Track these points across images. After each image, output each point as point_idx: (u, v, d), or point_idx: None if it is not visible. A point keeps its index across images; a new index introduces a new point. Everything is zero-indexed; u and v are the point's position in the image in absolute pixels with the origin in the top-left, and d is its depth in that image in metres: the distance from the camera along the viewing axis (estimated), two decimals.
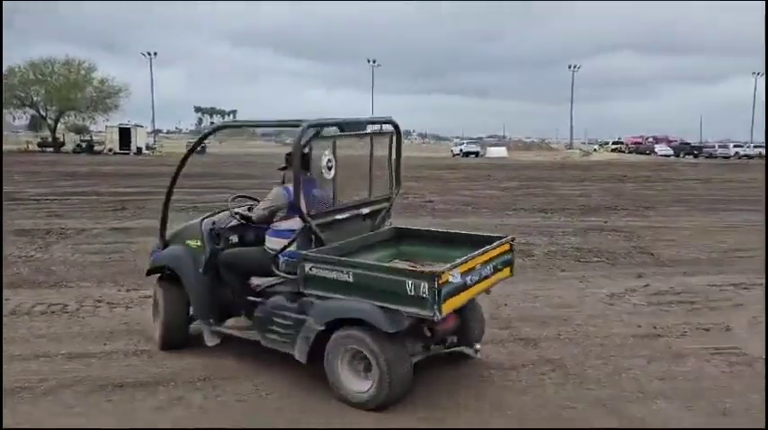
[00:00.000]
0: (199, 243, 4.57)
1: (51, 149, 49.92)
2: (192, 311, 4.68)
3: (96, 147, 49.53)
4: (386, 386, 3.67)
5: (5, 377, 4.19)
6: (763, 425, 3.37)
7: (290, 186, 4.15)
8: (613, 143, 73.65)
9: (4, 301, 5.96)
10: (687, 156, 57.19)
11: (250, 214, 4.60)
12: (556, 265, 8.06)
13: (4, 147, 41.38)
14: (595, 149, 69.79)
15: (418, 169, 30.65)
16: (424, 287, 3.55)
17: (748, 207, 15.19)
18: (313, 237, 4.14)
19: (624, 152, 67.00)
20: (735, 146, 60.33)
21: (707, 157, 55.80)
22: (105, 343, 4.91)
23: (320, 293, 3.91)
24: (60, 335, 5.14)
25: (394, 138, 4.76)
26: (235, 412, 3.78)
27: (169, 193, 4.86)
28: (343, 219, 4.39)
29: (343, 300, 3.81)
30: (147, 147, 52.05)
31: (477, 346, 4.35)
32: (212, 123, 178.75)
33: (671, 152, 60.76)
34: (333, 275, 3.83)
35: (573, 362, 4.59)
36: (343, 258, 4.00)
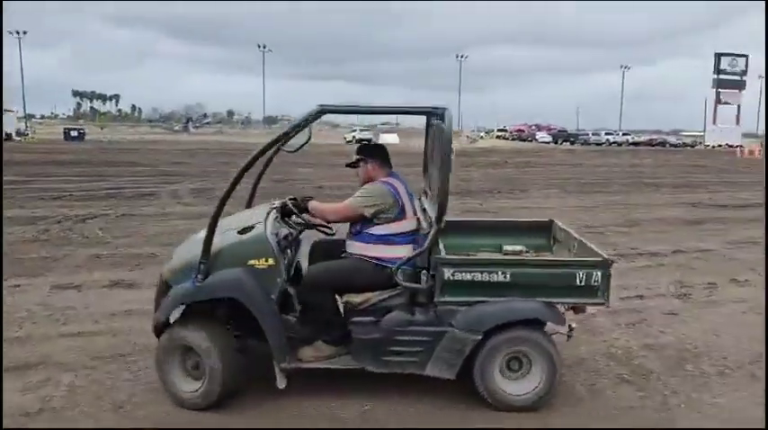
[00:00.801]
0: (271, 262, 3.53)
1: None
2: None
3: None
4: (555, 383, 3.60)
5: None
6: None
7: (394, 182, 3.79)
8: (498, 131, 77.19)
9: None
10: (565, 143, 61.15)
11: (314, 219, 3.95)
12: None
13: None
14: (481, 137, 72.77)
15: (310, 156, 30.78)
16: (596, 275, 3.54)
17: (607, 189, 16.74)
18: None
19: (508, 139, 70.50)
20: (606, 134, 65.37)
21: (582, 144, 60.04)
22: None
23: (463, 299, 3.57)
24: None
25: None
26: None
27: (225, 199, 3.53)
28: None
29: (498, 302, 3.56)
30: (18, 133, 48.31)
31: (573, 325, 3.97)
32: (92, 108, 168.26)
33: (550, 139, 64.71)
34: (482, 277, 3.54)
35: None
36: (498, 258, 3.95)
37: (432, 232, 3.52)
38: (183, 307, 3.63)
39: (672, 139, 69.66)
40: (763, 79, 78.45)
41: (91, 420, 3.49)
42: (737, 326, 5.28)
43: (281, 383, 3.55)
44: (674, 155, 42.33)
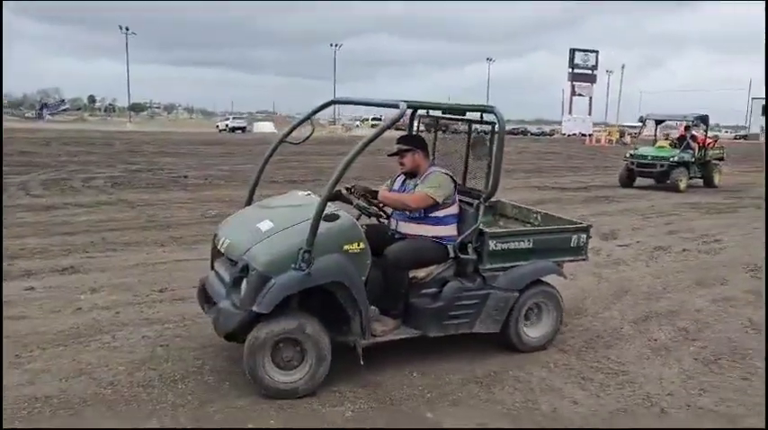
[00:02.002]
0: (362, 245, 3.78)
1: None
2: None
3: None
4: (559, 325, 4.62)
5: None
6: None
7: (446, 170, 4.38)
8: (373, 119, 78.43)
9: None
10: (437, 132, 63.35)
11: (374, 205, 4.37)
12: None
13: None
14: (357, 125, 73.70)
15: (179, 145, 29.81)
16: (582, 238, 4.66)
17: None
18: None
19: None
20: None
21: (452, 133, 62.42)
22: None
23: (502, 265, 4.33)
24: None
25: (496, 129, 4.37)
26: None
27: (333, 186, 3.67)
28: None
29: (526, 265, 4.39)
30: None
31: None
32: None
33: (423, 128, 66.80)
34: (514, 246, 4.36)
35: None
36: (525, 229, 4.74)
37: (480, 211, 4.24)
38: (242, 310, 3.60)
39: (533, 129, 74.52)
40: (610, 74, 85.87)
41: None
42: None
43: (363, 360, 3.84)
44: (534, 143, 45.42)
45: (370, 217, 4.43)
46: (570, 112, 75.23)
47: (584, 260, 4.82)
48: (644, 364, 4.38)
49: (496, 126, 4.31)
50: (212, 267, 4.28)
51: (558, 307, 4.58)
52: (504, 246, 4.35)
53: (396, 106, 3.83)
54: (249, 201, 4.61)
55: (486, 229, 4.36)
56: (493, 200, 5.55)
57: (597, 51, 78.92)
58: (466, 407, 3.67)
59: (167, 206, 10.82)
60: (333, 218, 3.74)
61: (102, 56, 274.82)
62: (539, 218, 5.13)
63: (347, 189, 4.32)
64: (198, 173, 16.66)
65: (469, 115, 4.70)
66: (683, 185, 15.10)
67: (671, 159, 15.27)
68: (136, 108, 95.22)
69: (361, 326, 3.81)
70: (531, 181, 16.77)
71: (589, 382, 4.05)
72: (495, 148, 4.30)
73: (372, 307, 3.98)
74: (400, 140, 4.41)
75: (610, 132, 52.78)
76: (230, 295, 3.73)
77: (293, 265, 3.57)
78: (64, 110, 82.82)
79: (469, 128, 4.72)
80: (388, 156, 4.44)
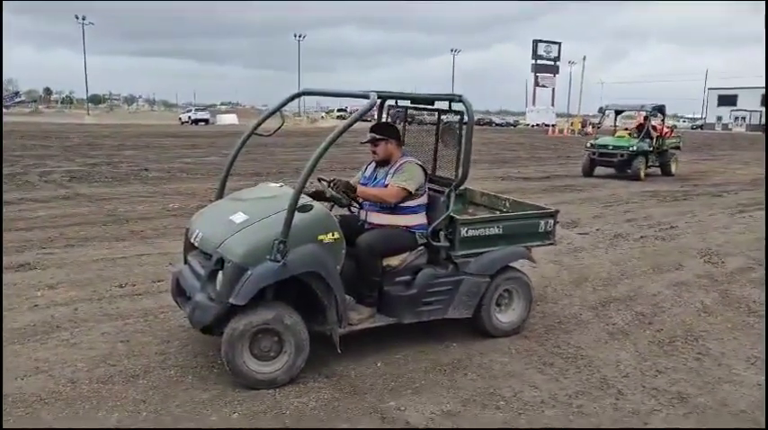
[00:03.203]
0: (336, 235, 3.80)
1: None
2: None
3: None
4: (529, 309, 4.72)
5: None
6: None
7: (417, 160, 4.40)
8: (338, 110, 78.24)
9: None
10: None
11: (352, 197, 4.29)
12: None
13: None
14: (322, 116, 73.33)
15: (139, 137, 29.20)
16: (550, 223, 4.77)
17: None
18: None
19: (346, 119, 71.68)
20: None
21: (418, 124, 62.60)
22: None
23: (472, 251, 4.40)
24: None
25: (464, 118, 4.44)
26: None
27: (306, 177, 3.61)
28: None
29: (496, 250, 4.48)
30: None
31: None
32: None
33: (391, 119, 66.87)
34: (485, 232, 4.44)
35: None
36: (493, 215, 4.85)
37: (451, 200, 4.32)
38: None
39: (497, 119, 75.22)
40: (572, 65, 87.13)
41: None
42: None
43: (340, 348, 3.89)
44: (498, 133, 45.85)
45: (342, 207, 4.44)
46: (534, 103, 76.12)
47: (551, 245, 4.93)
48: (601, 348, 4.50)
49: (465, 115, 4.38)
50: (185, 261, 4.23)
51: (528, 292, 4.70)
52: (475, 232, 4.42)
53: (366, 97, 3.83)
54: (221, 194, 4.59)
55: (458, 216, 4.43)
56: (462, 188, 5.66)
57: (560, 43, 79.96)
58: (428, 394, 3.71)
59: (127, 200, 10.62)
60: (307, 208, 3.75)
61: (60, 46, 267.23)
62: (507, 204, 5.21)
63: (329, 183, 4.27)
64: (159, 166, 16.37)
65: (438, 105, 4.75)
66: (642, 174, 15.45)
67: (630, 149, 15.58)
68: (94, 100, 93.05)
69: (337, 314, 3.86)
70: (495, 171, 16.95)
71: (549, 367, 4.14)
72: (464, 137, 4.36)
73: (348, 296, 4.02)
74: (374, 129, 4.41)
75: (572, 123, 53.63)
76: (205, 288, 3.71)
77: (268, 257, 3.58)
78: (19, 102, 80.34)
79: (438, 117, 4.74)
80: (361, 144, 4.46)
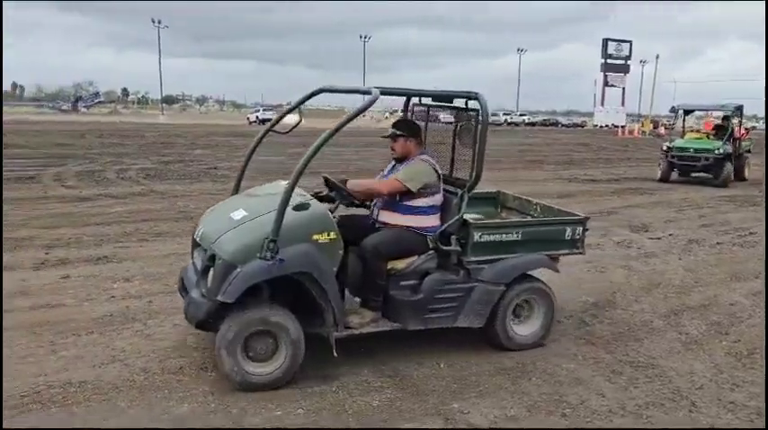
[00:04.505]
0: (333, 235, 3.72)
1: None
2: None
3: None
4: (552, 322, 4.41)
5: None
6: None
7: (431, 159, 4.23)
8: (401, 111, 78.27)
9: None
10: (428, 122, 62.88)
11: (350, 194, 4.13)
12: None
13: None
14: (386, 117, 73.58)
15: (209, 137, 30.14)
16: (578, 230, 4.45)
17: (495, 166, 17.70)
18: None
19: None
20: (504, 114, 67.97)
21: (437, 122, 62.04)
22: None
23: (486, 257, 4.16)
24: None
25: (479, 117, 4.20)
26: None
27: (298, 174, 3.56)
28: None
29: (514, 258, 4.22)
30: None
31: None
32: None
33: (452, 119, 66.44)
34: (501, 238, 4.19)
35: None
36: (513, 220, 4.58)
37: (464, 202, 4.09)
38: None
39: (564, 120, 73.54)
40: (644, 64, 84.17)
41: None
42: (579, 282, 5.99)
43: (336, 351, 3.74)
44: (565, 134, 44.85)
45: (349, 206, 4.28)
46: (602, 104, 73.90)
47: (580, 254, 4.58)
48: (674, 358, 4.32)
49: (480, 114, 4.14)
50: (192, 256, 4.27)
51: (549, 304, 4.38)
52: (490, 237, 4.18)
53: (368, 92, 3.75)
54: (236, 191, 4.57)
55: (471, 220, 4.24)
56: (494, 191, 5.54)
57: (631, 41, 77.33)
58: (492, 398, 3.66)
59: (198, 197, 10.97)
60: (303, 207, 3.70)
61: (137, 49, 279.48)
62: (538, 209, 4.98)
63: (324, 181, 4.19)
64: (228, 164, 16.83)
65: (457, 103, 4.52)
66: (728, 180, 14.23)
67: (716, 152, 14.19)
68: (168, 100, 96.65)
69: (333, 317, 3.74)
70: (561, 173, 16.57)
71: (618, 376, 4.01)
72: (478, 136, 4.15)
73: (356, 298, 4.01)
74: (395, 124, 4.32)
75: (643, 123, 51.81)
76: (199, 284, 3.72)
77: (259, 255, 3.51)
78: (98, 102, 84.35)
79: (457, 116, 4.54)
80: (382, 137, 4.40)
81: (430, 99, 4.65)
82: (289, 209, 3.60)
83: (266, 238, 3.50)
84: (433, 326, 4.10)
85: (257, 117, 56.87)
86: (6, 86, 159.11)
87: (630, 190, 13.41)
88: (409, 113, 4.92)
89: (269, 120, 40.60)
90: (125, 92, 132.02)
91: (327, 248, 3.70)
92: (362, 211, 4.50)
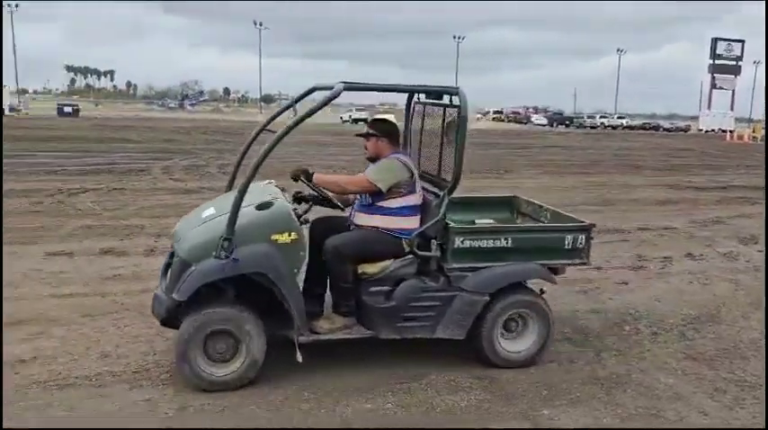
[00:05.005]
0: (294, 236, 3.59)
1: None
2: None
3: None
4: (548, 339, 3.98)
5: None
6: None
7: (405, 159, 3.98)
8: (494, 112, 77.32)
9: None
10: (560, 126, 61.33)
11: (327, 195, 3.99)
12: None
13: None
14: (478, 118, 72.93)
15: (302, 135, 31.01)
16: (581, 239, 3.98)
17: (589, 170, 17.18)
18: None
19: (504, 121, 70.70)
20: (601, 117, 65.57)
21: (577, 127, 60.27)
22: None
23: (469, 265, 3.85)
24: None
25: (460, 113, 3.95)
26: None
27: (253, 172, 3.51)
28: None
29: (502, 266, 3.87)
30: (11, 109, 48.24)
31: (544, 289, 4.18)
32: (87, 85, 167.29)
33: (545, 122, 64.91)
34: (487, 244, 3.86)
35: None
36: (501, 225, 4.21)
37: (444, 203, 3.83)
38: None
39: (665, 124, 69.98)
40: (758, 65, 78.58)
41: (80, 368, 3.88)
42: (680, 294, 5.72)
43: (300, 357, 3.61)
44: (665, 139, 42.68)
45: (323, 205, 4.07)
46: (709, 107, 69.72)
47: (584, 265, 4.13)
48: None
49: (460, 110, 3.84)
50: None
51: (544, 319, 3.98)
52: (475, 243, 3.85)
53: (334, 89, 3.58)
54: (229, 188, 4.45)
55: (453, 224, 3.92)
56: (509, 195, 5.21)
57: (743, 41, 72.53)
58: (584, 407, 3.57)
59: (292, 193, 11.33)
60: (266, 206, 3.62)
61: (239, 49, 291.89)
62: (548, 215, 4.60)
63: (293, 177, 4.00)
64: (319, 162, 17.28)
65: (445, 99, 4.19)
66: None
67: None
68: (266, 99, 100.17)
69: (295, 321, 3.59)
70: (662, 179, 15.80)
71: (721, 394, 3.80)
72: (458, 134, 3.85)
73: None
74: (369, 123, 4.13)
75: (754, 129, 48.39)
76: (162, 282, 3.77)
77: (214, 254, 3.45)
78: (203, 101, 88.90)
79: (444, 113, 4.20)
80: (356, 136, 4.18)
81: (423, 96, 4.43)
82: (251, 208, 3.59)
83: (221, 237, 3.45)
84: (409, 335, 3.85)
85: (350, 116, 57.98)
86: (121, 85, 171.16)
87: (738, 199, 12.58)
88: (411, 111, 4.65)
89: (362, 120, 41.54)
90: (227, 91, 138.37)
91: (288, 249, 3.57)
92: (342, 213, 4.22)
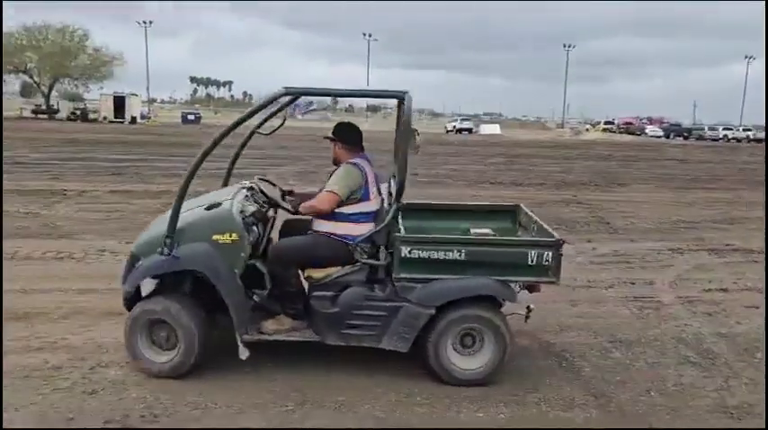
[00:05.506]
0: (234, 237, 3.71)
1: (45, 116, 50.08)
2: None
3: (91, 116, 49.68)
4: (504, 359, 3.80)
5: (25, 302, 4.96)
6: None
7: (362, 164, 3.96)
8: (605, 123, 74.33)
9: (13, 250, 6.70)
10: (677, 138, 57.92)
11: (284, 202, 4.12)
12: None
13: None
14: (587, 129, 70.46)
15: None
16: (547, 255, 3.72)
17: (710, 185, 16.09)
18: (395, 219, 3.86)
19: (615, 132, 67.69)
20: (724, 128, 61.12)
21: (696, 139, 56.61)
22: (109, 282, 5.65)
23: (418, 276, 3.75)
24: (70, 275, 5.89)
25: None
26: None
27: (191, 175, 3.67)
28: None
29: (453, 279, 3.75)
30: (142, 117, 52.28)
31: (532, 306, 4.14)
32: (207, 95, 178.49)
33: (661, 133, 61.47)
34: (438, 255, 3.73)
35: None
36: (453, 236, 4.03)
37: (391, 210, 3.80)
38: (155, 281, 3.85)
39: None
40: None
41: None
42: None
43: (243, 354, 3.72)
44: None
45: (272, 207, 4.21)
46: None
47: (552, 283, 3.81)
48: None
49: (403, 116, 3.75)
50: None
51: (498, 336, 3.75)
52: (423, 254, 3.71)
53: (273, 93, 3.67)
54: (224, 186, 4.65)
55: (400, 233, 3.83)
56: (513, 205, 4.94)
57: None
58: None
59: None
60: (213, 206, 3.79)
61: (348, 60, 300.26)
62: (534, 229, 4.34)
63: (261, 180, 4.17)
64: (427, 171, 17.35)
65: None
66: None
67: None
68: (371, 109, 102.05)
69: (234, 318, 3.70)
70: None
71: None
72: (402, 140, 3.76)
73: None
74: (333, 129, 4.10)
75: None
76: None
77: (159, 250, 3.67)
78: (312, 110, 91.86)
79: (398, 116, 4.17)
80: (323, 138, 4.14)
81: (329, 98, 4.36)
82: (201, 208, 3.83)
83: (164, 234, 3.66)
84: (354, 343, 3.81)
85: (454, 126, 57.89)
86: (238, 94, 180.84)
87: None
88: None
89: (466, 129, 41.02)
90: (335, 100, 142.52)
91: (227, 249, 3.69)
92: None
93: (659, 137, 59.69)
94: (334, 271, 3.85)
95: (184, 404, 3.48)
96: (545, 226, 4.20)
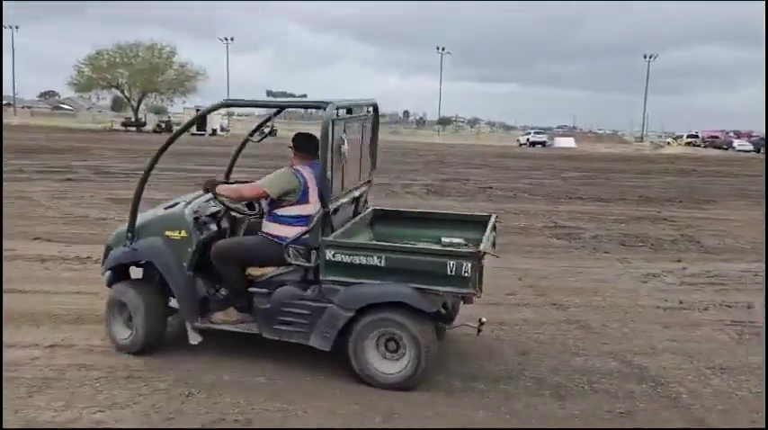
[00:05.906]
0: (183, 233, 4.15)
1: (134, 129, 52.84)
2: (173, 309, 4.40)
3: (175, 128, 51.94)
4: (421, 366, 3.82)
5: None
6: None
7: (301, 169, 4.13)
8: (688, 137, 71.09)
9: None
10: None
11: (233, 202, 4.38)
12: (600, 248, 8.58)
13: (85, 125, 44.22)
14: (668, 143, 67.69)
15: (482, 157, 31.12)
16: (466, 266, 3.73)
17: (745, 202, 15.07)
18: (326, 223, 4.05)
19: (699, 146, 64.63)
20: None
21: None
22: None
23: (342, 279, 3.89)
24: None
25: (372, 121, 4.78)
26: None
27: (145, 177, 4.25)
28: (341, 204, 4.31)
29: (373, 284, 3.87)
30: (222, 129, 54.23)
31: (483, 320, 4.30)
32: None
33: (751, 147, 58.19)
34: (359, 260, 3.86)
35: (596, 324, 5.25)
36: (373, 242, 4.27)
37: (318, 215, 3.99)
38: (140, 269, 4.51)
39: None
40: None
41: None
42: None
43: (194, 340, 4.22)
44: None
45: (234, 213, 4.49)
46: None
47: (471, 295, 3.81)
48: None
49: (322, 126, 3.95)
50: None
51: (413, 341, 3.81)
52: (346, 258, 3.88)
53: (214, 104, 4.39)
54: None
55: (326, 238, 3.97)
56: (487, 214, 4.83)
57: None
58: None
59: None
60: (171, 206, 4.37)
61: (419, 74, 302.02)
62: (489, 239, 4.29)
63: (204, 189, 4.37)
64: (502, 185, 17.16)
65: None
66: None
67: None
68: (442, 122, 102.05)
69: (180, 307, 4.21)
70: None
71: None
72: (321, 148, 3.96)
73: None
74: (292, 137, 4.32)
75: None
76: None
77: (123, 243, 4.29)
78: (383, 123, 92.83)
79: (363, 123, 4.63)
80: (289, 147, 4.32)
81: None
82: (162, 208, 4.45)
83: (126, 229, 4.28)
84: (286, 339, 4.05)
85: (527, 139, 56.91)
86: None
87: None
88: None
89: (539, 142, 40.30)
90: (406, 113, 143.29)
91: (176, 244, 4.18)
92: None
93: (748, 151, 56.55)
94: (270, 270, 4.14)
95: (276, 410, 3.57)
96: (490, 239, 4.26)
